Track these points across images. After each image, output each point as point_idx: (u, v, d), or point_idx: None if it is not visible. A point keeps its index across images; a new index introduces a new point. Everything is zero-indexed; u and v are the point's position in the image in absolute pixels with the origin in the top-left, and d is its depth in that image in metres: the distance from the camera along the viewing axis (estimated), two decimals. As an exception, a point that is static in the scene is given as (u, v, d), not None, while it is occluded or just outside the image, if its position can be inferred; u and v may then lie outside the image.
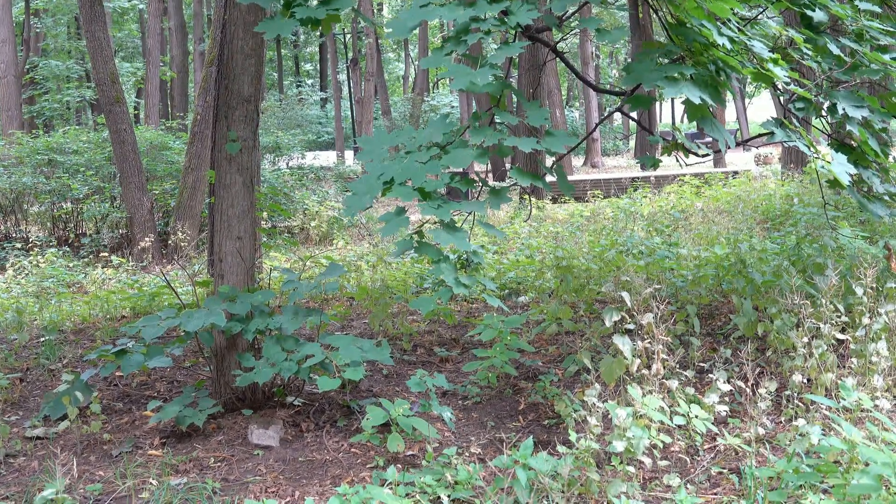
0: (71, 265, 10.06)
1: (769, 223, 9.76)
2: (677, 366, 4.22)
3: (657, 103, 35.83)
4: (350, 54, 32.51)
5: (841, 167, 3.47)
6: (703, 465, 3.47)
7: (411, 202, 3.08)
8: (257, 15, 4.55)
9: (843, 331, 4.32)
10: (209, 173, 4.81)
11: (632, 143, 33.15)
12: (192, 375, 5.15)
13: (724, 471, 3.40)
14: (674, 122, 37.67)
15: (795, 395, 3.88)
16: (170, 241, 11.47)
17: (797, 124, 3.87)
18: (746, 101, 33.74)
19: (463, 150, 3.18)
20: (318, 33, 33.08)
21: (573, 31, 25.86)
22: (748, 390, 3.69)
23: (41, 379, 5.15)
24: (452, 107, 36.27)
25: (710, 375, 4.19)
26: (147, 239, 10.95)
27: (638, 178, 17.36)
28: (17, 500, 3.39)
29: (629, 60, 11.97)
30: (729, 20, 3.61)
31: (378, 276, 7.86)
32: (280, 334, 4.12)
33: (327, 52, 42.03)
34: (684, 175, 15.25)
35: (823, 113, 4.08)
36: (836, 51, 3.96)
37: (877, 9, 4.57)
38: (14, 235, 12.98)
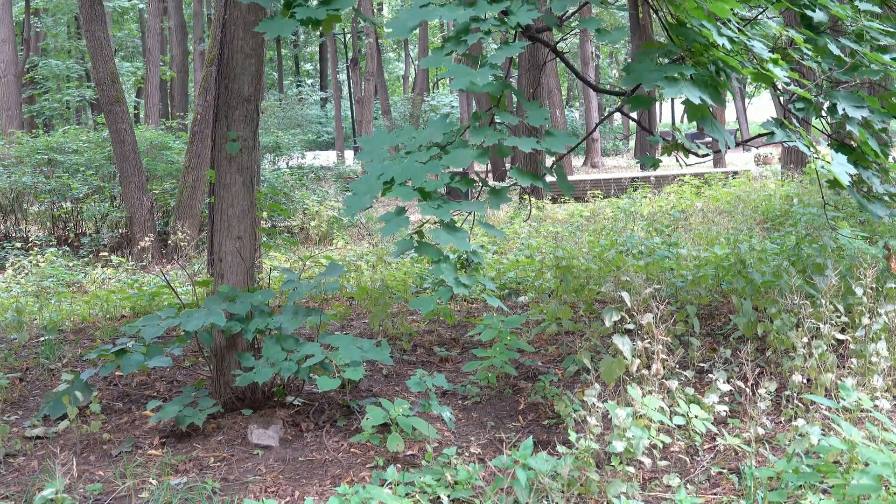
0: (71, 265, 10.06)
1: (769, 223, 9.76)
2: (677, 366, 4.22)
3: (657, 103, 35.84)
4: (350, 54, 32.52)
5: (841, 167, 3.47)
6: (703, 466, 3.47)
7: (411, 202, 3.08)
8: (257, 15, 4.56)
9: (842, 331, 4.32)
10: (209, 173, 4.81)
11: (632, 143, 33.14)
12: (191, 375, 5.15)
13: (724, 471, 3.40)
14: (674, 122, 37.68)
15: (795, 395, 3.88)
16: (170, 241, 11.47)
17: (797, 124, 3.87)
18: (746, 101, 33.72)
19: (463, 150, 3.18)
20: (319, 33, 33.04)
21: (573, 31, 25.86)
22: (748, 390, 3.69)
23: (41, 378, 5.15)
24: (452, 107, 36.26)
25: (710, 375, 4.19)
26: (147, 238, 10.95)
27: (638, 178, 17.36)
28: (17, 499, 3.39)
29: (629, 60, 11.98)
30: (729, 20, 3.61)
31: (378, 276, 7.86)
32: (280, 334, 4.12)
33: (327, 52, 42.03)
34: (684, 175, 15.25)
35: (823, 113, 4.08)
36: (836, 51, 3.96)
37: (877, 9, 4.58)
38: (14, 235, 12.98)
